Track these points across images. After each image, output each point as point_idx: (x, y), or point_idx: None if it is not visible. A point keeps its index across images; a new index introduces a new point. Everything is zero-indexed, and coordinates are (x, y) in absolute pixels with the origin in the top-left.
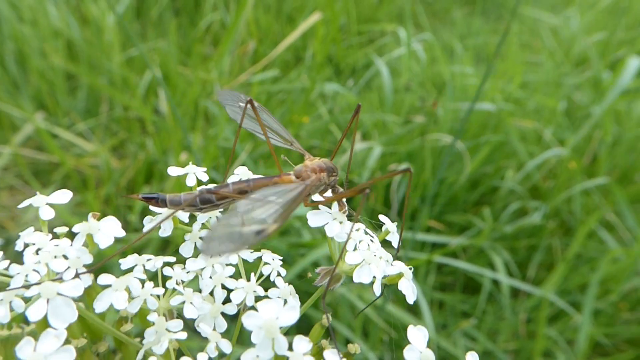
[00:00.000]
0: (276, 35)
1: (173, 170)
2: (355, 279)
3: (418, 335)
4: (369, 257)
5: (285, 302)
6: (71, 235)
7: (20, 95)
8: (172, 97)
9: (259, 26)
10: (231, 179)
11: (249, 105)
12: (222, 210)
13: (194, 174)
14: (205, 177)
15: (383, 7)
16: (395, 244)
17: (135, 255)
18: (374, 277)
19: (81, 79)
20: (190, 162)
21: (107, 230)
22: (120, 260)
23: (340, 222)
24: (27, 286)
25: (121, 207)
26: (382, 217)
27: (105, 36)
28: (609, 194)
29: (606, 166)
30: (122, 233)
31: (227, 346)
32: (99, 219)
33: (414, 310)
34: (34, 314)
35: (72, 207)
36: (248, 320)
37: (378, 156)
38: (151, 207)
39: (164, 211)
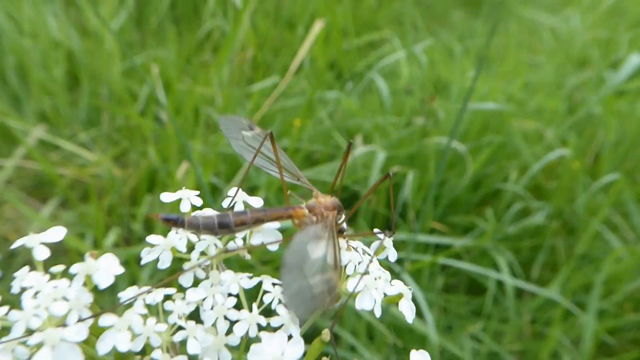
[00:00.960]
0: (275, 41)
1: (166, 197)
2: (358, 307)
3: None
4: (370, 283)
5: (290, 337)
6: (69, 274)
7: (22, 108)
8: (172, 105)
9: (258, 33)
10: (238, 207)
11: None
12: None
13: (188, 199)
14: (199, 202)
15: (382, 10)
16: (392, 258)
17: (135, 287)
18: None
19: (82, 89)
20: (183, 187)
21: (106, 268)
22: (120, 294)
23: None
24: (29, 333)
25: (125, 216)
26: (377, 231)
27: (105, 46)
28: (613, 193)
29: (609, 166)
30: (120, 270)
31: None
32: (97, 257)
33: (418, 313)
34: None
35: (76, 218)
36: (254, 358)
37: (382, 161)
38: (147, 239)
39: (161, 240)
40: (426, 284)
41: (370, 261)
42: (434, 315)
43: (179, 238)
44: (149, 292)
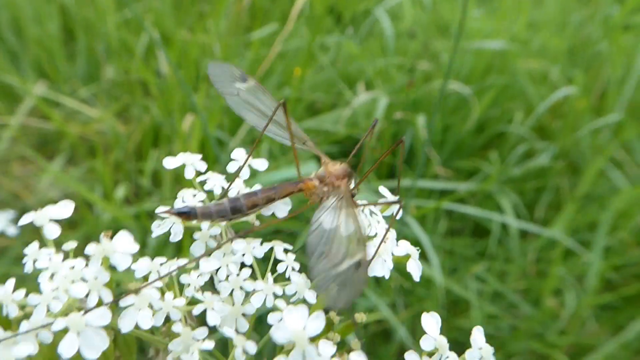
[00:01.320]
0: None
1: (168, 163)
2: (370, 273)
3: (431, 323)
4: (382, 250)
5: (310, 309)
6: (80, 252)
7: (20, 65)
8: (171, 58)
9: None
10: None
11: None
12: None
13: (192, 165)
14: (203, 167)
15: None
16: (397, 217)
17: (148, 260)
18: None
19: (79, 44)
20: (185, 152)
21: (123, 248)
22: (133, 266)
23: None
24: (51, 321)
25: (132, 171)
26: (382, 189)
27: None
28: (618, 131)
29: (615, 103)
30: (136, 248)
31: (252, 347)
32: (111, 236)
33: (424, 256)
34: (67, 349)
35: (83, 175)
36: (278, 334)
37: (385, 107)
38: (157, 211)
39: (170, 216)
40: (431, 228)
41: (387, 231)
42: (439, 258)
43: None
44: (162, 264)
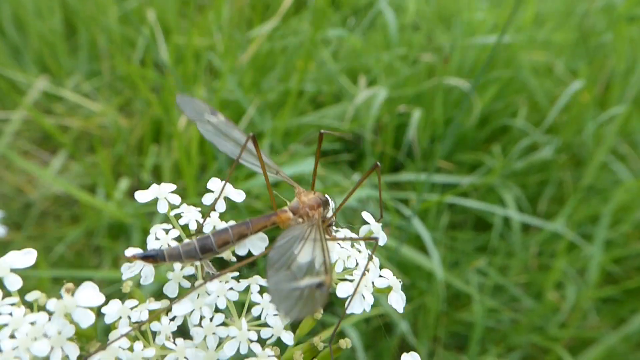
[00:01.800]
0: None
1: (140, 196)
2: (348, 311)
3: None
4: (361, 287)
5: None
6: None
7: (22, 59)
8: (172, 51)
9: None
10: (213, 215)
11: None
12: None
13: (165, 199)
14: (177, 200)
15: None
16: (381, 242)
17: (118, 303)
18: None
19: (81, 38)
20: (154, 184)
21: (87, 301)
22: (104, 310)
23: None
24: None
25: (134, 166)
26: (364, 215)
27: None
28: (623, 123)
29: (620, 95)
30: (101, 300)
31: None
32: (73, 292)
33: (425, 250)
34: None
35: (86, 170)
36: None
37: (383, 100)
38: (126, 253)
39: (141, 265)
40: (433, 222)
41: (366, 268)
42: (441, 252)
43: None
44: (132, 308)
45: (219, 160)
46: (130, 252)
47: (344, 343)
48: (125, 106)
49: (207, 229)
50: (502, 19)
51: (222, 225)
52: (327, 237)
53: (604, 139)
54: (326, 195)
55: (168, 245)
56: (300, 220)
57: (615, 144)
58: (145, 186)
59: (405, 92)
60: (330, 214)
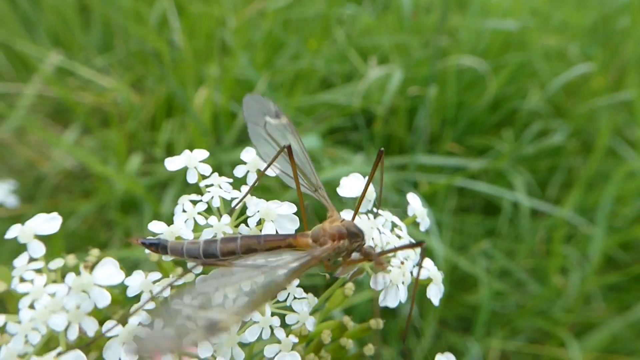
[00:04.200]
0: None
1: (170, 164)
2: (381, 303)
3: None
4: (396, 277)
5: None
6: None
7: (35, 32)
8: (186, 27)
9: None
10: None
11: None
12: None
13: (195, 168)
14: (207, 170)
15: None
16: (423, 228)
17: (142, 275)
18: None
19: (94, 12)
20: (187, 150)
21: (106, 279)
22: (127, 282)
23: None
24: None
25: (146, 143)
26: (410, 197)
27: None
28: (635, 110)
29: (635, 82)
30: (121, 278)
31: None
32: (91, 268)
33: (433, 232)
34: None
35: (98, 144)
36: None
37: (399, 81)
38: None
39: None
40: (441, 205)
41: (417, 277)
42: (448, 235)
43: (184, 222)
44: (155, 282)
45: (231, 135)
46: (133, 239)
47: (375, 323)
48: (137, 83)
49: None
50: (517, 2)
51: (252, 203)
52: (371, 260)
53: (615, 124)
54: (357, 226)
55: (193, 219)
56: (319, 249)
57: (627, 130)
58: (158, 162)
59: (417, 74)
60: (363, 245)
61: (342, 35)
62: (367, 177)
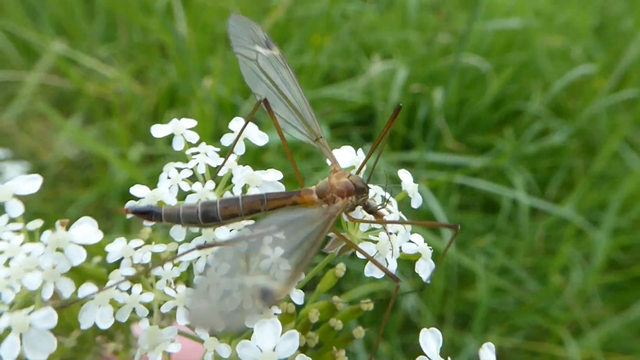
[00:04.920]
0: None
1: (156, 131)
2: (367, 274)
3: (431, 340)
4: (383, 248)
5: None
6: (51, 225)
7: (39, 20)
8: (189, 20)
9: None
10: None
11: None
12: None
13: (182, 135)
14: (195, 138)
15: None
16: (415, 205)
17: (123, 241)
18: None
19: (98, 2)
20: (175, 119)
21: (83, 238)
22: (107, 248)
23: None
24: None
25: (148, 133)
26: (401, 173)
27: None
28: (636, 111)
29: (636, 84)
30: (98, 238)
31: (225, 350)
32: (68, 226)
33: (434, 230)
34: (8, 351)
35: (99, 134)
36: (244, 351)
37: (404, 79)
38: (132, 190)
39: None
40: (442, 202)
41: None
42: (448, 231)
43: (168, 188)
44: (136, 248)
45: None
46: (129, 204)
47: (365, 306)
48: (140, 73)
49: (222, 173)
50: (522, 1)
51: (238, 171)
52: (376, 219)
53: (616, 126)
54: (362, 181)
55: (177, 186)
56: (324, 206)
57: (628, 132)
58: (159, 153)
59: (420, 72)
60: (368, 200)
61: (346, 31)
62: (359, 150)
